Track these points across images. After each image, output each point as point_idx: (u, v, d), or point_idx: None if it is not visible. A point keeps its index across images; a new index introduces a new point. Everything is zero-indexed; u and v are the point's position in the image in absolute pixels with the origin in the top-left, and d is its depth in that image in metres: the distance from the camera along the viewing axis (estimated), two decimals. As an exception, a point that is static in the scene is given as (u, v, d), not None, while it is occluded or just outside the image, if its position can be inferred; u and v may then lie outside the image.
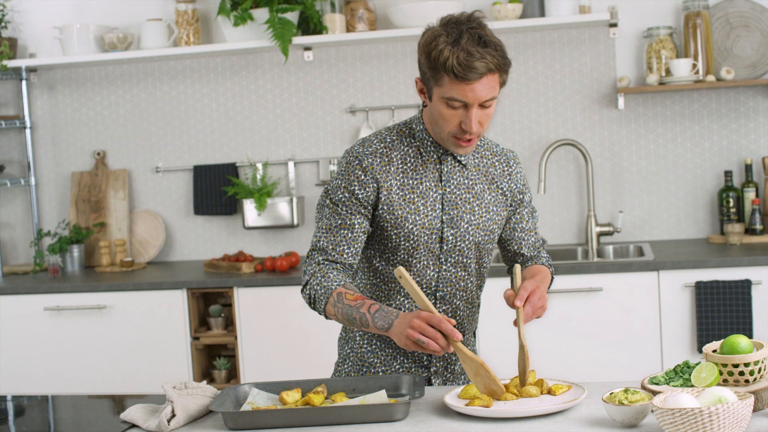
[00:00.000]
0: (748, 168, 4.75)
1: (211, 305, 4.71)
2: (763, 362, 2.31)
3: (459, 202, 2.67)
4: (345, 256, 2.65)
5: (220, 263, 4.81)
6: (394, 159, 2.65)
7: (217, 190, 5.18)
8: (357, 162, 2.63)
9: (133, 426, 2.44)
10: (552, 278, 2.84)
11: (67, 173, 5.41)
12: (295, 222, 5.01)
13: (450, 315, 2.71)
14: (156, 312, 4.63)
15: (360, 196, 2.63)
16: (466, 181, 2.69)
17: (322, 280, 2.61)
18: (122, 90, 5.31)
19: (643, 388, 2.35)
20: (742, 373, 2.29)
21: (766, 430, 2.11)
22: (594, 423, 2.24)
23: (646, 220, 4.93)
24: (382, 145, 2.66)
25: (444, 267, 2.68)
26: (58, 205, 5.43)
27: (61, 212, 5.41)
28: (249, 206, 5.01)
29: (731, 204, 4.73)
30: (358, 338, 2.79)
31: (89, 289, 4.69)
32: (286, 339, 4.54)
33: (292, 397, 2.50)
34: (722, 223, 4.75)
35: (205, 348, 4.72)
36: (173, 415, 2.39)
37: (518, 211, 2.79)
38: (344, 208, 2.63)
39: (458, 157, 2.68)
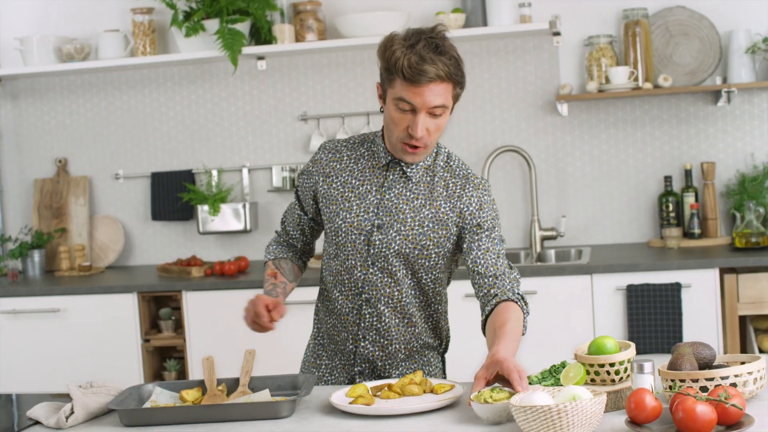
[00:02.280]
0: (688, 173, 4.85)
1: (162, 308, 4.83)
2: (629, 362, 2.42)
3: (394, 211, 2.72)
4: (291, 234, 2.97)
5: (171, 267, 4.93)
6: (345, 158, 2.81)
7: (174, 196, 5.30)
8: (315, 154, 2.85)
9: (37, 423, 2.56)
10: (524, 312, 2.69)
11: (30, 180, 5.54)
12: (248, 227, 5.13)
13: (375, 319, 2.78)
14: (108, 315, 4.75)
15: (306, 185, 2.86)
16: (407, 193, 2.73)
17: (266, 249, 3.00)
18: (83, 99, 5.44)
19: (517, 387, 2.46)
20: (608, 373, 2.40)
21: (620, 427, 2.22)
22: (465, 420, 2.35)
23: (590, 224, 5.04)
24: (342, 144, 2.84)
25: (371, 270, 2.74)
26: (22, 211, 5.56)
27: (25, 218, 5.54)
28: (203, 212, 5.13)
29: (670, 208, 4.83)
30: (311, 345, 3.00)
31: (45, 292, 4.81)
32: (233, 341, 4.65)
33: (192, 395, 2.63)
34: (662, 228, 4.85)
35: (155, 350, 4.84)
36: (72, 412, 2.51)
37: (476, 232, 2.72)
38: (297, 193, 2.91)
39: (405, 170, 2.73)
